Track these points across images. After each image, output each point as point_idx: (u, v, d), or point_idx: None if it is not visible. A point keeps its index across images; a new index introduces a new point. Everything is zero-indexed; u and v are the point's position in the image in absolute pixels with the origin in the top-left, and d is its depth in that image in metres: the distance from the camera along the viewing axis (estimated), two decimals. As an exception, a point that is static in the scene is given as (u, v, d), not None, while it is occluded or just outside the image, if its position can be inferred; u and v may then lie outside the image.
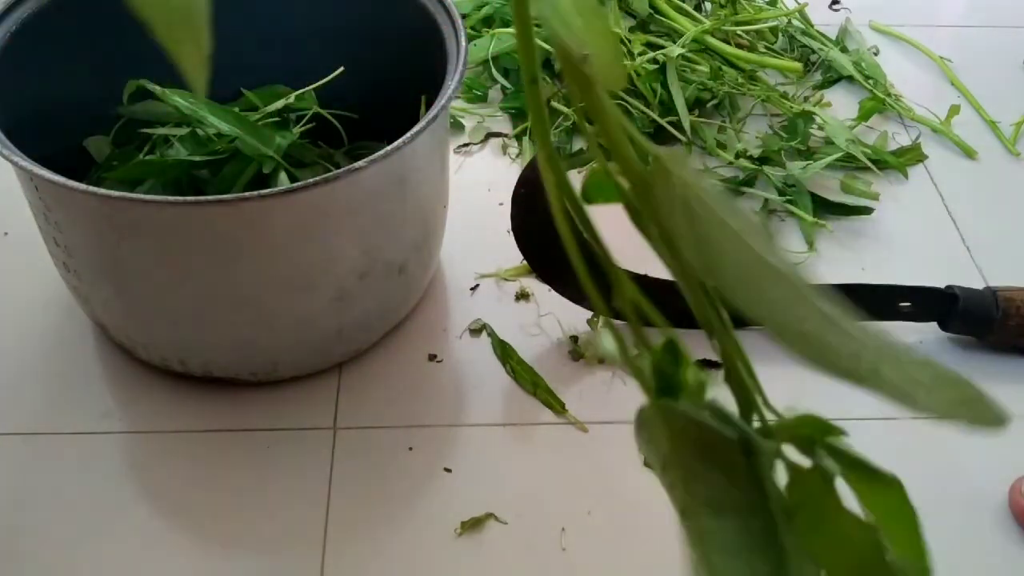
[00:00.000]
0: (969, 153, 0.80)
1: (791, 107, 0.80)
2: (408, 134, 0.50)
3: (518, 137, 0.78)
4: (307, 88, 0.64)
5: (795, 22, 0.89)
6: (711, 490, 0.21)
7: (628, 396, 0.60)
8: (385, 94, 0.64)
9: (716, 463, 0.21)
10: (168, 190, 0.59)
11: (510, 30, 0.80)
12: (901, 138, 0.80)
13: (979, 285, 0.64)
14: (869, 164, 0.76)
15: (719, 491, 0.21)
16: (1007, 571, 0.53)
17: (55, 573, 0.51)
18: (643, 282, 0.62)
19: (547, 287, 0.63)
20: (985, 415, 0.18)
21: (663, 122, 0.76)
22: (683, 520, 0.21)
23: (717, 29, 0.83)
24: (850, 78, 0.85)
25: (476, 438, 0.57)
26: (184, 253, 0.51)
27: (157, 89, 0.59)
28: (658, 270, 0.69)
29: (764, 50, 0.85)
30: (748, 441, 0.21)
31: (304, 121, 0.64)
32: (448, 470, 0.56)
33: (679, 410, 0.22)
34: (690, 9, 0.85)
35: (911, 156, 0.78)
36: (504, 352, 0.61)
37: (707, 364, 0.61)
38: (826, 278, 0.67)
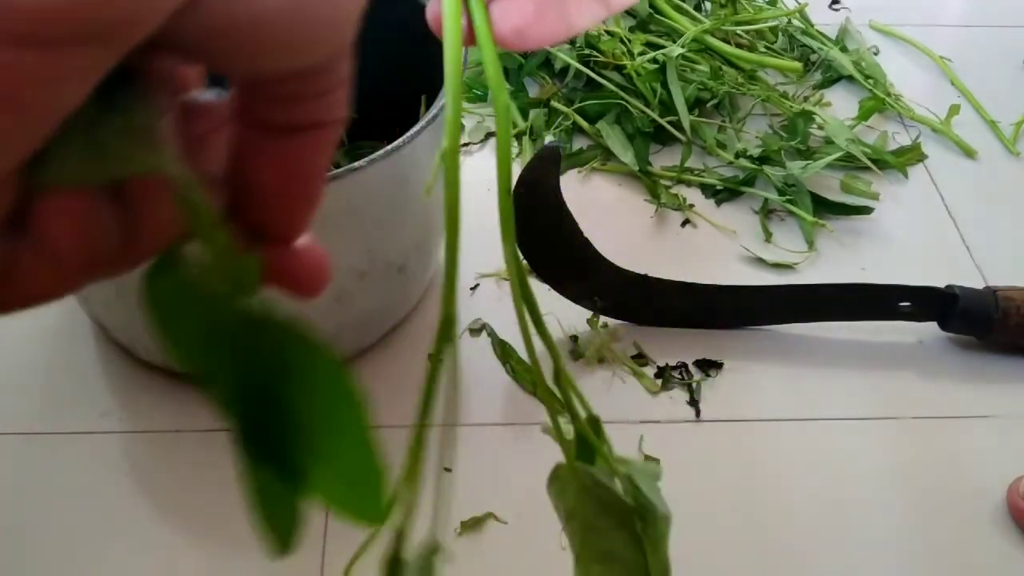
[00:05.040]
0: (969, 153, 0.80)
1: (791, 107, 0.80)
2: (408, 134, 0.50)
3: (518, 137, 0.78)
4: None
5: (795, 22, 0.89)
6: (604, 543, 0.25)
7: (628, 396, 0.60)
8: (385, 94, 0.64)
9: (613, 522, 0.25)
10: (168, 190, 0.59)
11: (510, 30, 0.80)
12: (901, 138, 0.80)
13: (979, 285, 0.64)
14: (869, 164, 0.76)
15: (611, 545, 0.25)
16: (1005, 571, 0.53)
17: (55, 572, 0.51)
18: (644, 283, 0.62)
19: (547, 287, 0.63)
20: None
21: (663, 122, 0.76)
22: (577, 566, 0.25)
23: (717, 29, 0.83)
24: (850, 78, 0.85)
25: (476, 438, 0.57)
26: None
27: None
28: (659, 271, 0.69)
29: (764, 50, 0.85)
30: (646, 510, 0.25)
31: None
32: (448, 470, 0.56)
33: (591, 473, 0.26)
34: (690, 9, 0.85)
35: (911, 156, 0.78)
36: (504, 352, 0.61)
37: (707, 364, 0.61)
38: (826, 278, 0.67)
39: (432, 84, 0.55)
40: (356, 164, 0.49)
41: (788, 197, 0.72)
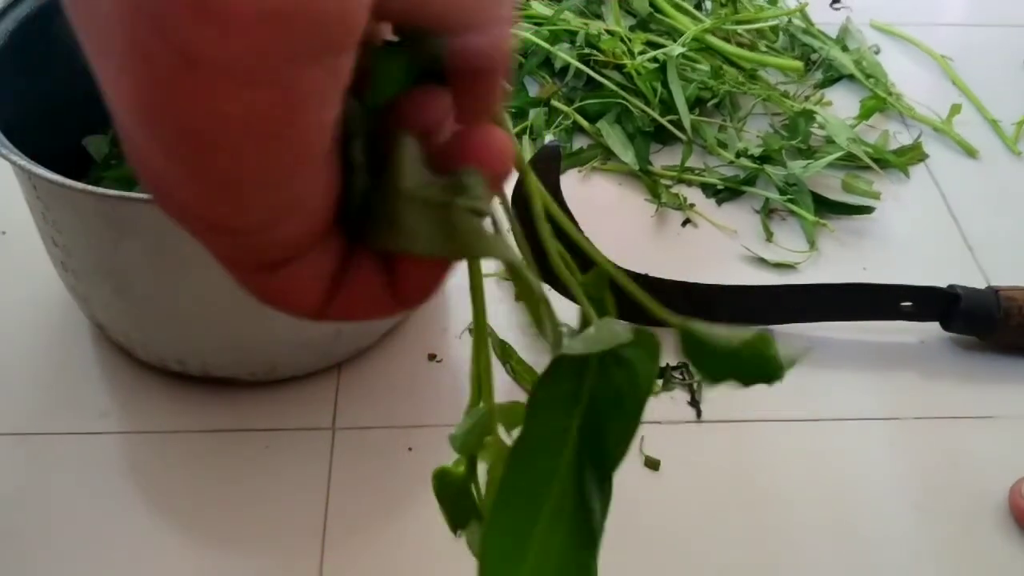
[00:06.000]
0: (970, 152, 0.80)
1: (792, 106, 0.80)
2: (407, 133, 0.50)
3: (517, 136, 0.78)
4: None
5: (796, 21, 0.89)
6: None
7: (628, 396, 0.59)
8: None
9: None
10: (167, 189, 0.59)
11: (510, 29, 0.80)
12: (902, 137, 0.80)
13: (981, 284, 0.64)
14: (870, 163, 0.75)
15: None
16: (1007, 572, 0.53)
17: (53, 573, 0.50)
18: (644, 283, 0.62)
19: (547, 286, 0.63)
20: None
21: (664, 121, 0.76)
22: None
23: (718, 28, 0.83)
24: (851, 77, 0.85)
25: (476, 438, 0.57)
26: (182, 252, 0.50)
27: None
28: (659, 271, 0.69)
29: (765, 49, 0.85)
30: None
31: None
32: (448, 470, 0.56)
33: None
34: (690, 8, 0.85)
35: (912, 155, 0.78)
36: (504, 352, 0.61)
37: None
38: (827, 277, 0.67)
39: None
40: (355, 164, 0.48)
41: (789, 196, 0.72)
